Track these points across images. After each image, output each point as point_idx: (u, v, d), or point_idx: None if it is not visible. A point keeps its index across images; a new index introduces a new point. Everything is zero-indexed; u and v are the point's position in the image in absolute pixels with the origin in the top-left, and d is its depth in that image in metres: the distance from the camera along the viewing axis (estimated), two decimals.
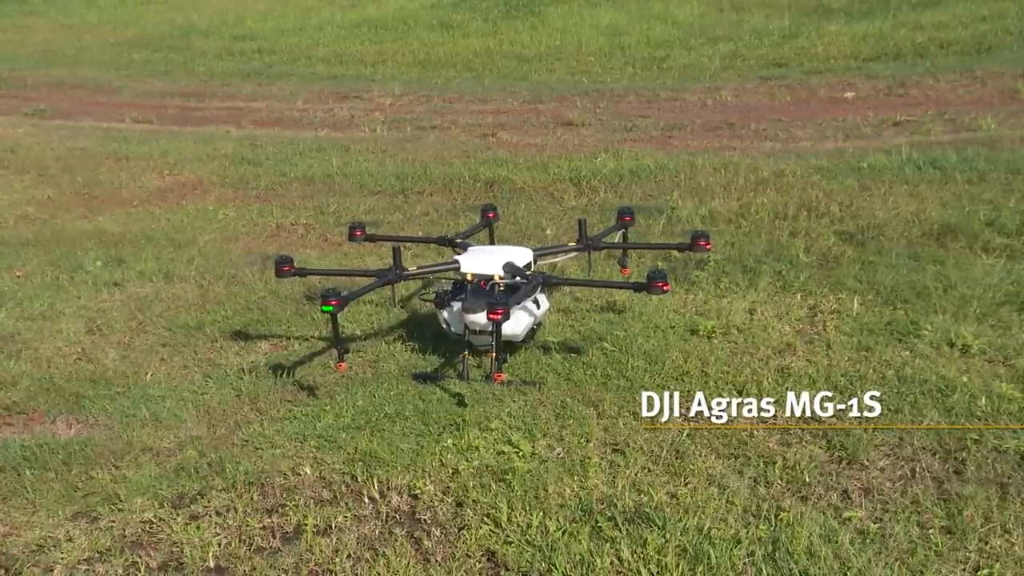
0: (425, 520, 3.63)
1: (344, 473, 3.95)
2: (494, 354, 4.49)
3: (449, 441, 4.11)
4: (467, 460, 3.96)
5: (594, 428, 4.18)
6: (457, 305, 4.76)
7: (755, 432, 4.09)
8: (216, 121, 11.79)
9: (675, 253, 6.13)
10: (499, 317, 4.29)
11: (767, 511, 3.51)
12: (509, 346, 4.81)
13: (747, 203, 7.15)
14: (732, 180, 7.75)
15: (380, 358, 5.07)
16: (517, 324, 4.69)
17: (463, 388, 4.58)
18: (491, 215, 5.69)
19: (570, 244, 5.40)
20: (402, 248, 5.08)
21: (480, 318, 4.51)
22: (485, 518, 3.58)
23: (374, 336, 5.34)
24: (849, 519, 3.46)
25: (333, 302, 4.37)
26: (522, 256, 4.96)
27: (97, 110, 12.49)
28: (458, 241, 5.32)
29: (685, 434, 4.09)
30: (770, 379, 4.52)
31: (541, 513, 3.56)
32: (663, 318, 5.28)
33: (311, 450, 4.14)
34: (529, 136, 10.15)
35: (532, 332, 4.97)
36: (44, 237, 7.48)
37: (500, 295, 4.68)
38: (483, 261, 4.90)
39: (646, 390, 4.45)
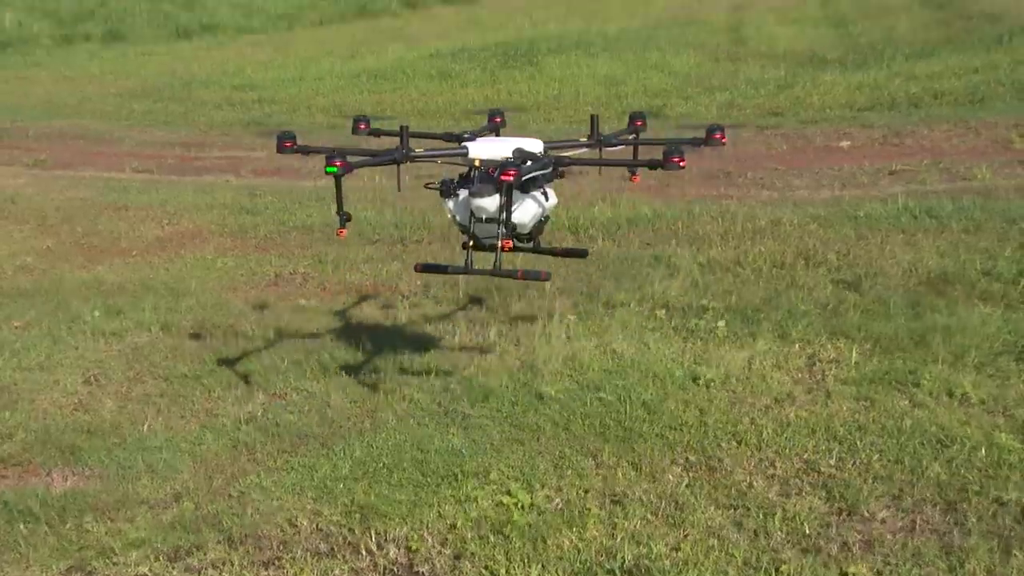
0: (423, 573, 3.61)
1: (341, 525, 3.93)
2: (503, 219, 4.31)
3: (447, 492, 4.09)
4: (465, 512, 3.93)
5: (593, 479, 4.16)
6: (463, 193, 4.55)
7: (754, 482, 4.08)
8: (216, 170, 11.83)
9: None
10: (511, 178, 4.15)
11: (767, 564, 3.49)
12: (518, 238, 4.63)
13: (745, 251, 7.17)
14: (729, 228, 7.78)
15: (378, 408, 5.06)
16: (525, 213, 4.48)
17: (460, 437, 4.56)
18: (498, 119, 5.44)
19: (581, 139, 5.06)
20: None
21: (487, 203, 4.35)
22: (483, 571, 3.55)
23: (371, 387, 5.33)
24: (852, 574, 3.43)
25: (338, 163, 4.17)
26: (533, 145, 4.69)
27: (98, 160, 12.54)
28: (466, 136, 5.12)
29: (684, 484, 4.08)
30: (769, 429, 4.51)
31: (540, 566, 3.53)
32: (661, 367, 5.28)
33: (308, 502, 4.12)
34: None
35: (540, 225, 4.72)
36: (43, 287, 7.48)
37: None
38: (492, 147, 4.64)
39: (645, 440, 4.44)
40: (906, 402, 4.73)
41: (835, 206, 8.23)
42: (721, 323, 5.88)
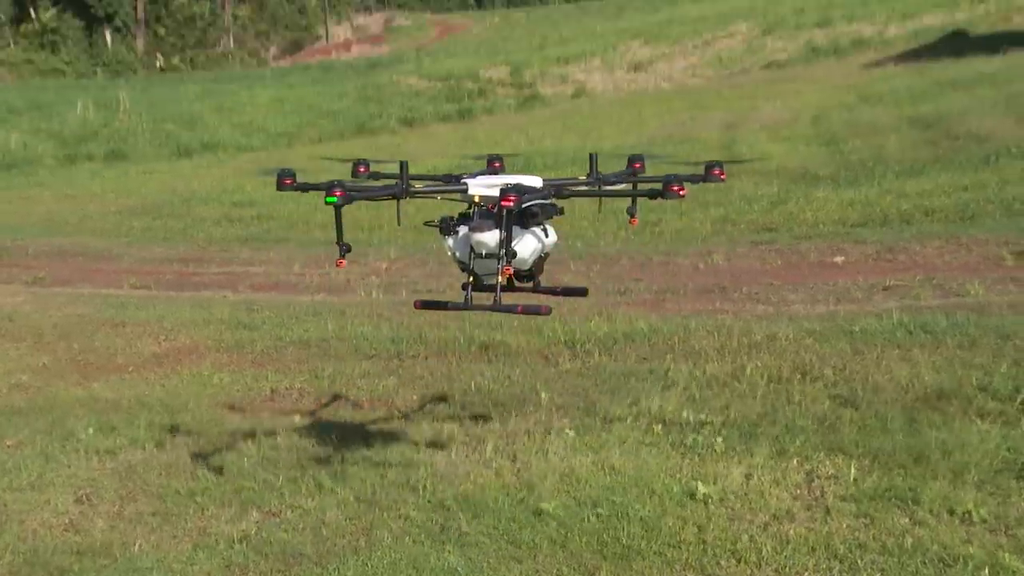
0: None
1: None
2: (503, 250, 4.28)
3: None
4: None
5: None
6: (463, 230, 4.52)
7: None
8: (214, 286, 11.91)
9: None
10: (511, 203, 4.11)
11: None
12: (518, 277, 4.63)
13: (741, 366, 7.18)
14: (726, 343, 7.79)
15: (373, 525, 5.00)
16: (525, 248, 4.45)
17: (457, 556, 4.49)
18: (496, 164, 5.23)
19: (580, 177, 5.02)
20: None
21: (487, 237, 4.32)
22: None
23: (366, 504, 5.28)
24: None
25: (337, 193, 4.12)
26: (533, 182, 4.62)
27: (96, 277, 12.62)
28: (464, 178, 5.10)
29: None
30: (769, 547, 4.46)
31: None
32: (659, 482, 5.24)
33: None
34: (524, 300, 10.22)
35: (540, 263, 4.69)
36: (37, 405, 7.46)
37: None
38: (492, 184, 4.56)
39: (643, 558, 4.38)
40: (907, 520, 4.69)
41: (830, 321, 8.27)
42: (718, 438, 5.86)
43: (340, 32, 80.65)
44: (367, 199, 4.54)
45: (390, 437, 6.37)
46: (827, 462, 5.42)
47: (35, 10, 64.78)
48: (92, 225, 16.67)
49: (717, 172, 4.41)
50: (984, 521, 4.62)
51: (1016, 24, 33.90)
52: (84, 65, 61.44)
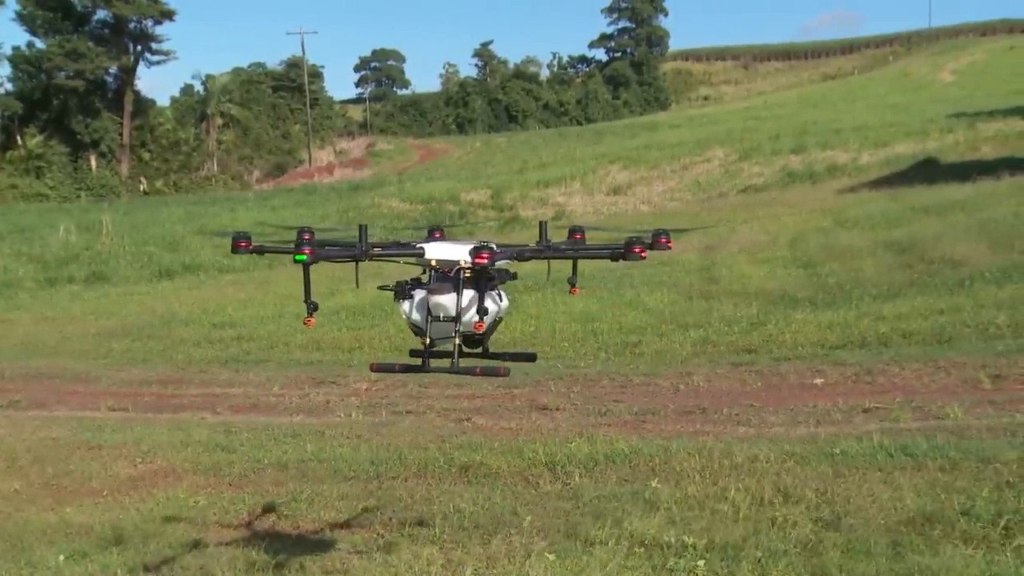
0: None
1: None
2: (473, 308, 4.30)
3: None
4: None
5: None
6: (420, 294, 4.54)
7: None
8: (192, 408, 11.80)
9: None
10: (485, 261, 4.16)
11: None
12: (467, 342, 4.61)
13: (723, 488, 7.14)
14: (707, 465, 7.76)
15: None
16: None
17: None
18: (438, 234, 5.41)
19: (531, 245, 4.94)
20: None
21: (446, 300, 4.36)
22: None
23: None
24: None
25: (307, 251, 4.17)
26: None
27: (73, 399, 12.50)
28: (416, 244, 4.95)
29: None
30: None
31: None
32: None
33: None
34: (504, 421, 10.21)
35: (493, 326, 4.69)
36: (6, 531, 7.31)
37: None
38: (449, 249, 4.60)
39: None
40: None
41: (811, 443, 8.25)
42: (701, 562, 5.79)
43: (323, 156, 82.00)
44: (329, 260, 4.56)
45: (369, 562, 6.26)
46: None
47: (22, 137, 65.73)
48: (71, 347, 16.58)
49: (664, 240, 4.50)
50: None
51: (984, 153, 34.87)
52: (68, 189, 62.11)
